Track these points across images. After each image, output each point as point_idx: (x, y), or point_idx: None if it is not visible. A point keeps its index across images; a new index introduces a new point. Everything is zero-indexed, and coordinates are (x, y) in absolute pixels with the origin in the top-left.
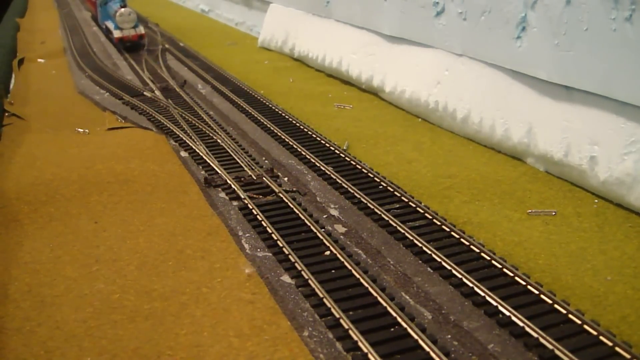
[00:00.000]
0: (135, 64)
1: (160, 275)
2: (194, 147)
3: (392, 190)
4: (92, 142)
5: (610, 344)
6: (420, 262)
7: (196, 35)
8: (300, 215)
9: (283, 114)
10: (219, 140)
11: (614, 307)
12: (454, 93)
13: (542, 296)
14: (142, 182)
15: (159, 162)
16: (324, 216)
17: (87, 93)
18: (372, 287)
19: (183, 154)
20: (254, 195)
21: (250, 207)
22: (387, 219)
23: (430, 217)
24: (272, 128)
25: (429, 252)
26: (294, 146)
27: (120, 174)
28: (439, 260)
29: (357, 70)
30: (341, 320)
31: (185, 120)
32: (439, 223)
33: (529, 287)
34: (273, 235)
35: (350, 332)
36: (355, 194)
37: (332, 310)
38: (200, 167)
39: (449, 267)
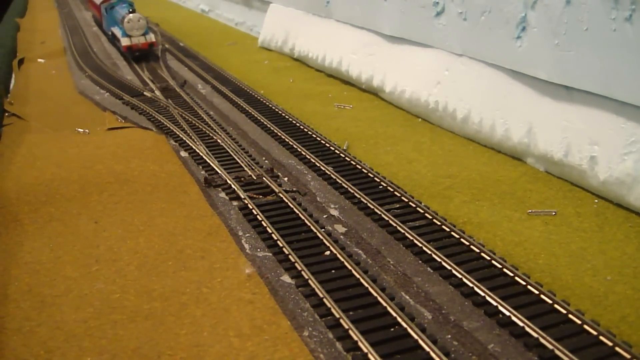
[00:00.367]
0: (135, 64)
1: (160, 275)
2: (194, 147)
3: (392, 190)
4: (92, 142)
5: (610, 344)
6: (420, 262)
7: (196, 35)
8: (300, 215)
9: (283, 114)
10: (219, 140)
11: (614, 307)
12: (454, 93)
13: (542, 296)
14: (142, 182)
15: (159, 162)
16: (324, 216)
17: (87, 93)
18: (372, 287)
19: (183, 154)
20: (254, 195)
21: (250, 207)
22: (387, 219)
23: (430, 217)
24: (272, 128)
25: (429, 252)
26: (294, 146)
27: (120, 174)
28: (439, 260)
29: (357, 70)
30: (341, 320)
31: (185, 120)
32: (439, 223)
33: (529, 287)
34: (273, 235)
35: (350, 332)
36: (355, 194)
37: (332, 310)
38: (200, 167)
39: (449, 267)
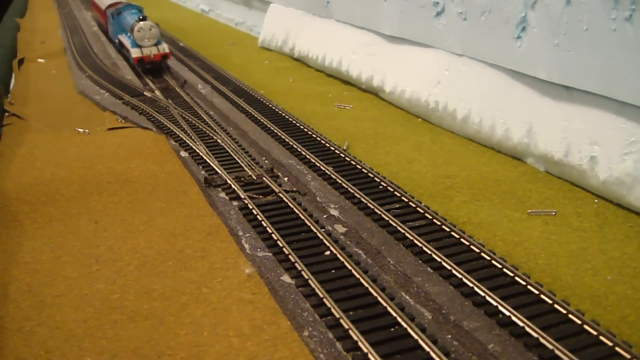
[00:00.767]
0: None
1: (160, 275)
2: (194, 147)
3: (392, 190)
4: (92, 142)
5: (610, 344)
6: (420, 262)
7: (196, 35)
8: (300, 215)
9: (283, 114)
10: (219, 140)
11: (614, 307)
12: (454, 93)
13: (542, 296)
14: (142, 182)
15: (159, 162)
16: (324, 216)
17: (87, 93)
18: (372, 287)
19: (183, 154)
20: (254, 195)
21: (250, 207)
22: (387, 219)
23: (430, 217)
24: (272, 128)
25: (429, 252)
26: (294, 146)
27: (120, 174)
28: (439, 260)
29: (357, 70)
30: (341, 320)
31: (185, 120)
32: (439, 223)
33: (529, 287)
34: (273, 235)
35: (350, 332)
36: (355, 194)
37: (332, 310)
38: (201, 167)
39: (449, 267)
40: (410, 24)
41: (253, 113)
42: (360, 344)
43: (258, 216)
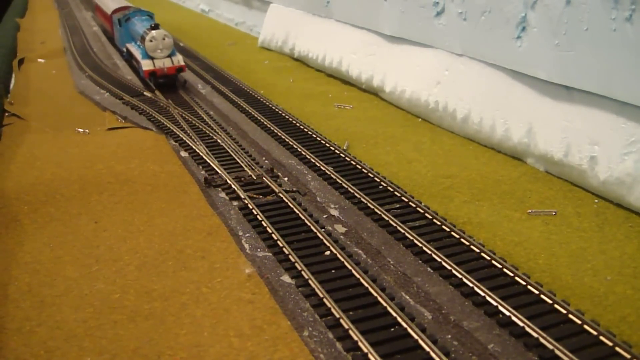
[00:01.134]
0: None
1: (160, 275)
2: (194, 147)
3: (392, 190)
4: (92, 142)
5: (610, 344)
6: (420, 262)
7: (196, 35)
8: (300, 215)
9: (283, 114)
10: (219, 140)
11: (614, 307)
12: (454, 93)
13: (542, 296)
14: (142, 182)
15: (159, 162)
16: (324, 216)
17: (87, 93)
18: (372, 287)
19: (183, 154)
20: (254, 195)
21: (250, 207)
22: (387, 219)
23: (430, 217)
24: (272, 128)
25: (429, 252)
26: (294, 146)
27: (120, 174)
28: (439, 260)
29: (357, 70)
30: (341, 320)
31: (185, 120)
32: (439, 223)
33: (529, 287)
34: (273, 235)
35: (350, 332)
36: (355, 194)
37: (332, 310)
38: (201, 167)
39: (449, 267)
40: (411, 24)
41: (253, 113)
42: (360, 344)
43: (258, 216)
